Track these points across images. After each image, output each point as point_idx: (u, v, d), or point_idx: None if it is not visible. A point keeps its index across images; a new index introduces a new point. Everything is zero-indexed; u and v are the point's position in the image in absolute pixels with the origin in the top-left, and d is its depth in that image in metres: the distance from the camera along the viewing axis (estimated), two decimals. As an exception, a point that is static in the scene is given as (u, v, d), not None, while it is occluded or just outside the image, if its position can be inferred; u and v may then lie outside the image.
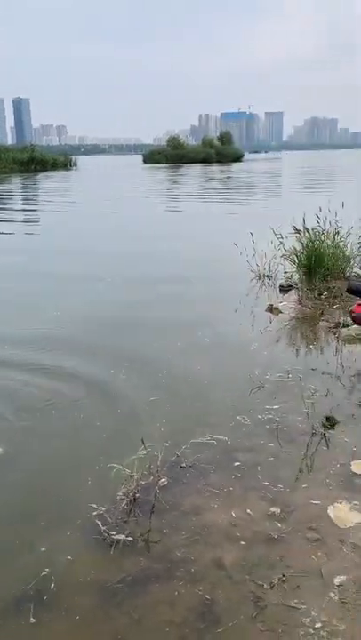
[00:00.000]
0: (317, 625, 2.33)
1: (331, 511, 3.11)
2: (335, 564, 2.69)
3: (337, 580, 2.58)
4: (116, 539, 2.92)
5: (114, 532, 2.96)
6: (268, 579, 2.62)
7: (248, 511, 3.15)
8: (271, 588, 2.57)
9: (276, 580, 2.61)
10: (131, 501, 3.22)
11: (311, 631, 2.31)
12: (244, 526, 3.02)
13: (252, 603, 2.49)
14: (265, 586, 2.58)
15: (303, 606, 2.44)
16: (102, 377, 5.05)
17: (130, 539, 2.94)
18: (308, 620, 2.36)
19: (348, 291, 1.42)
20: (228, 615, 2.43)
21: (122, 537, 2.94)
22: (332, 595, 2.50)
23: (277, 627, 2.35)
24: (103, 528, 2.97)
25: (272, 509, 3.17)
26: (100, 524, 3.00)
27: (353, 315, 1.34)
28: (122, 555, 2.84)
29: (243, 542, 2.90)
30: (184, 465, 3.62)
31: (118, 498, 3.22)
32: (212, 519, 3.09)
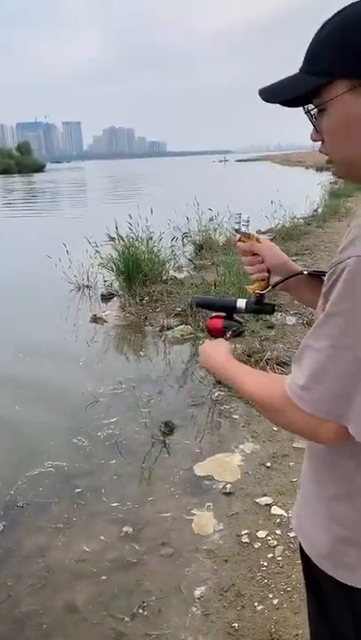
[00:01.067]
0: (185, 647, 2.22)
1: (182, 520, 3.05)
2: (193, 576, 2.62)
3: (197, 593, 2.51)
4: None
5: None
6: (128, 609, 2.44)
7: (98, 539, 2.94)
8: (133, 619, 2.40)
9: (137, 608, 2.45)
10: None
11: (179, 656, 2.19)
12: (94, 557, 2.80)
13: (114, 642, 2.29)
14: (125, 619, 2.40)
15: (168, 631, 2.32)
16: None
17: (-35, 605, 2.52)
18: (175, 644, 2.25)
19: (197, 305, 1.41)
20: (90, 664, 2.20)
21: None
22: (194, 609, 2.42)
23: (145, 661, 2.19)
24: None
25: (124, 529, 3.00)
26: None
27: (208, 325, 1.32)
28: None
29: (95, 575, 2.68)
30: (20, 504, 3.27)
31: None
32: (58, 558, 2.81)
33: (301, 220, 13.03)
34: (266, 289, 1.35)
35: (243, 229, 1.34)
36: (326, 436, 0.93)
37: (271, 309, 1.37)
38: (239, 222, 1.33)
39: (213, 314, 1.41)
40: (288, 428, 1.02)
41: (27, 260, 10.83)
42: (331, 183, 21.46)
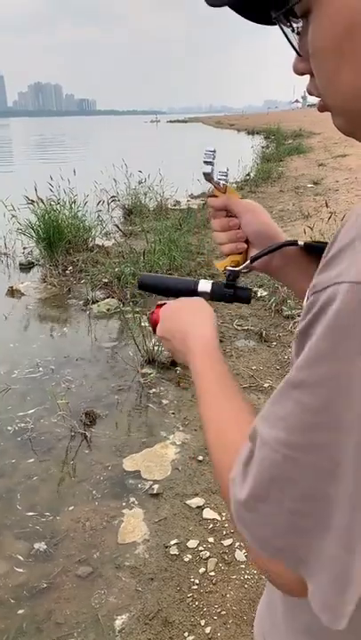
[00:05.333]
0: None
1: (103, 529, 2.69)
2: (114, 601, 2.27)
3: (118, 623, 2.17)
4: None
5: None
6: (36, 651, 2.07)
7: (5, 560, 2.53)
8: (41, 663, 2.03)
9: (47, 649, 2.08)
10: None
11: None
12: (1, 583, 2.40)
13: None
14: (33, 664, 2.03)
15: None
16: None
17: None
18: None
19: (140, 287, 1.02)
20: None
21: None
22: (115, 645, 2.08)
23: None
24: None
25: (36, 546, 2.61)
26: None
27: (152, 318, 0.94)
28: None
29: (2, 608, 2.28)
30: None
31: None
32: None
33: (234, 185, 12.68)
34: (241, 265, 0.93)
35: (217, 178, 0.91)
36: (280, 582, 0.55)
37: (247, 297, 0.93)
38: (211, 163, 0.89)
39: (162, 300, 0.96)
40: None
41: None
42: (262, 147, 21.24)
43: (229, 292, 0.92)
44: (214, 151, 0.89)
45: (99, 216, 8.12)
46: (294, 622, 0.69)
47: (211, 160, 0.89)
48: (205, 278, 0.96)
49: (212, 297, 0.92)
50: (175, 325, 0.85)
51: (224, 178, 0.92)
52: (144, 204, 10.16)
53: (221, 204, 0.93)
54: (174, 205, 10.78)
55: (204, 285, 0.93)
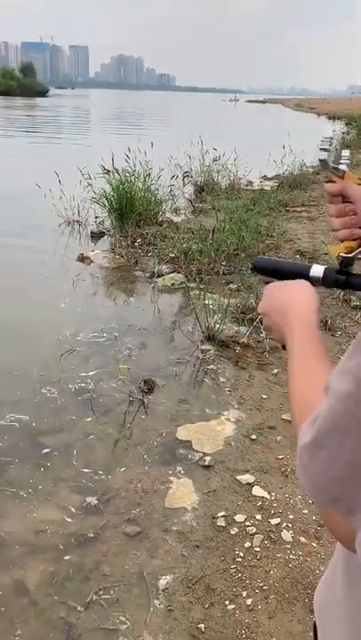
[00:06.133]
0: (141, 649, 1.96)
1: (153, 493, 2.76)
2: (159, 562, 2.34)
3: (162, 583, 2.24)
4: None
5: None
6: (81, 597, 2.17)
7: (59, 509, 2.65)
8: (86, 608, 2.12)
9: (92, 596, 2.17)
10: None
11: (135, 659, 1.93)
12: (53, 530, 2.52)
13: (62, 634, 2.02)
14: (78, 607, 2.12)
15: (124, 626, 2.05)
16: None
17: None
18: (131, 644, 1.98)
19: (254, 269, 1.02)
20: (32, 660, 1.94)
21: None
22: (157, 603, 2.15)
23: (95, 662, 1.92)
24: None
25: (88, 500, 2.71)
26: None
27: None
28: None
29: (51, 552, 2.40)
30: (-23, 461, 2.96)
31: None
32: (13, 528, 2.52)
33: (310, 169, 12.35)
34: (355, 252, 0.90)
35: (339, 163, 0.91)
36: (337, 533, 0.57)
37: (360, 284, 0.91)
38: (329, 150, 0.88)
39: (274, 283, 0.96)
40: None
41: (16, 188, 10.19)
42: (343, 133, 20.52)
43: (341, 279, 0.90)
44: (332, 138, 0.89)
45: (171, 191, 8.14)
46: (353, 597, 0.69)
47: (328, 147, 0.89)
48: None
49: (324, 282, 0.91)
50: (277, 301, 0.87)
51: (346, 162, 0.91)
52: (216, 181, 10.09)
53: (338, 190, 0.92)
54: (246, 185, 10.65)
55: (317, 270, 0.91)
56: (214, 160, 9.99)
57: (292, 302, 0.85)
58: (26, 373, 3.85)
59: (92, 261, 6.40)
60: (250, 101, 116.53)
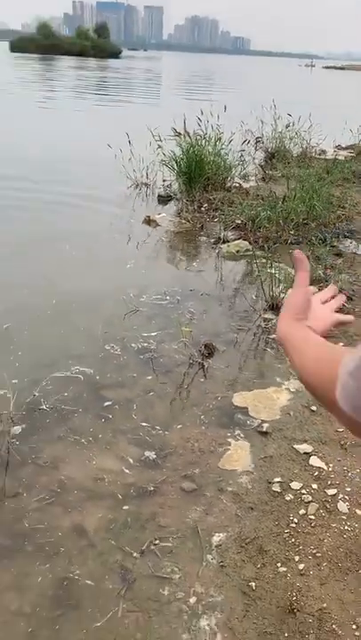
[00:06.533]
0: (192, 600, 2.01)
1: (210, 453, 2.79)
2: (214, 520, 2.38)
3: (215, 539, 2.28)
4: None
5: None
6: (137, 544, 2.25)
7: (118, 460, 2.73)
8: (141, 555, 2.20)
9: (148, 544, 2.25)
10: (-25, 458, 2.64)
11: (185, 607, 1.99)
12: (112, 479, 2.60)
13: (118, 577, 2.11)
14: (134, 554, 2.21)
15: (177, 576, 2.11)
16: None
17: (-30, 508, 2.39)
18: (182, 593, 2.04)
19: None
20: (89, 596, 2.03)
21: None
22: (210, 558, 2.20)
23: (146, 605, 2.00)
24: None
25: (146, 453, 2.78)
26: None
27: None
28: None
29: (110, 500, 2.49)
30: (44, 407, 3.08)
31: None
32: (74, 473, 2.63)
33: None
34: None
35: None
36: None
37: None
38: None
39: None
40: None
41: (87, 149, 10.28)
42: None
43: None
44: None
45: (241, 156, 7.97)
46: None
47: None
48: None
49: None
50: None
51: None
52: (288, 149, 9.79)
53: None
54: (319, 154, 10.27)
55: None
56: (287, 127, 9.67)
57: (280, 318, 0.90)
58: (91, 330, 3.95)
59: (158, 225, 6.41)
60: (327, 67, 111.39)
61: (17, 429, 2.88)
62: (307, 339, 0.82)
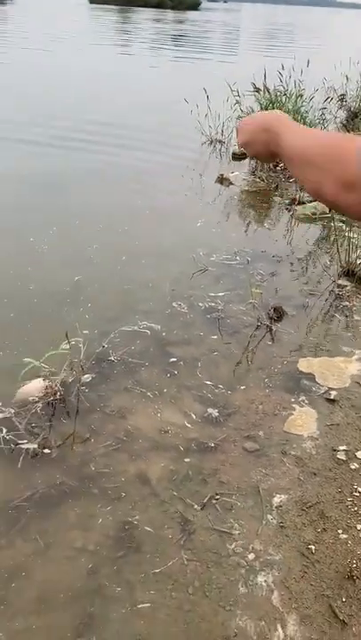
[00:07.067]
0: (250, 556, 2.04)
1: (273, 416, 2.77)
2: (275, 481, 2.38)
3: (276, 500, 2.28)
4: (24, 448, 2.48)
5: (24, 441, 2.51)
6: (198, 497, 2.29)
7: (181, 414, 2.77)
8: (202, 508, 2.24)
9: (208, 498, 2.28)
10: (50, 403, 2.75)
11: (243, 562, 2.02)
12: (175, 432, 2.65)
13: (178, 526, 2.17)
14: (195, 506, 2.25)
15: (236, 532, 2.14)
16: (21, 246, 4.35)
17: (42, 449, 2.50)
18: (241, 548, 2.07)
19: None
20: (149, 542, 2.10)
21: (31, 446, 2.49)
22: (270, 517, 2.20)
23: (205, 556, 2.04)
24: (9, 436, 2.51)
25: (209, 411, 2.80)
26: (4, 430, 2.53)
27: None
28: (31, 468, 2.41)
29: (173, 452, 2.53)
30: (112, 358, 3.14)
31: (30, 399, 2.73)
32: (140, 424, 2.69)
33: None
34: None
35: None
36: None
37: None
38: None
39: None
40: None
41: (163, 102, 10.12)
42: None
43: None
44: None
45: (322, 114, 7.59)
46: None
47: None
48: None
49: None
50: (253, 127, 0.89)
51: None
52: (373, 108, 9.23)
53: None
54: None
55: None
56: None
57: (268, 119, 0.86)
58: (159, 286, 3.96)
59: (231, 183, 6.27)
60: None
61: (87, 378, 2.96)
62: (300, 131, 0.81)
